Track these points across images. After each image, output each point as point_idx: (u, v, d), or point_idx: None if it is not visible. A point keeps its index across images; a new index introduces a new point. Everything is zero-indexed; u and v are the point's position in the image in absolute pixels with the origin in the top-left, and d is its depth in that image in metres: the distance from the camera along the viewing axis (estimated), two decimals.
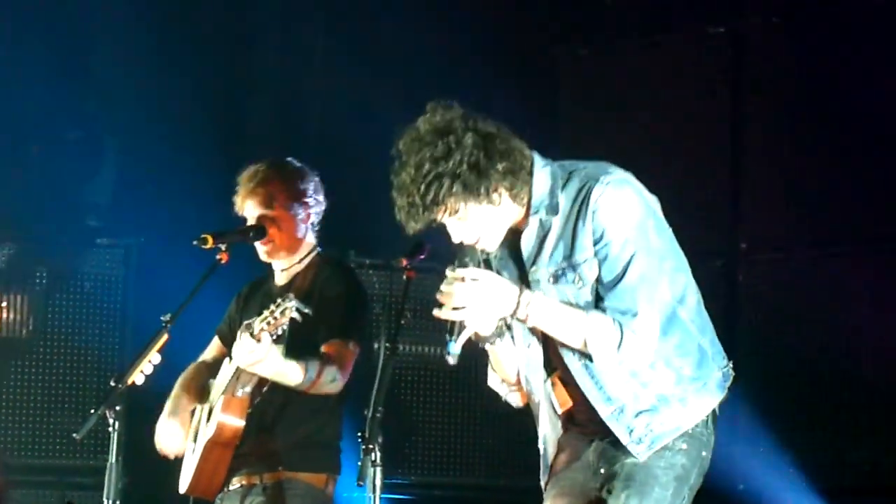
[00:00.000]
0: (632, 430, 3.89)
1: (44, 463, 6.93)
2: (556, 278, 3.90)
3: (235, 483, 5.07)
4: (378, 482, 4.12)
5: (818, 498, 6.87)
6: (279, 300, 4.71)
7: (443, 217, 3.84)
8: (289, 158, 5.30)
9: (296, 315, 4.68)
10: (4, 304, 7.23)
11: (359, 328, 5.10)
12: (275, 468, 5.01)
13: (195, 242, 4.95)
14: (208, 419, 5.08)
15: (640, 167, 4.04)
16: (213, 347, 5.38)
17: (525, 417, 4.28)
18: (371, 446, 4.10)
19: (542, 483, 4.13)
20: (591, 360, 3.87)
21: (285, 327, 4.71)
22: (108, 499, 4.63)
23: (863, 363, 6.85)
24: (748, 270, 7.30)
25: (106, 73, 7.51)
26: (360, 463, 4.11)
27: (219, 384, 5.13)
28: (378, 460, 4.12)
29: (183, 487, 5.12)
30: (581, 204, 3.86)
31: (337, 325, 5.03)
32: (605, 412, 3.91)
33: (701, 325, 3.97)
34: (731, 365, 4.03)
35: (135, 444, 4.88)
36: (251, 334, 4.73)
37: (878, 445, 6.91)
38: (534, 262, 3.94)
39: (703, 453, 3.96)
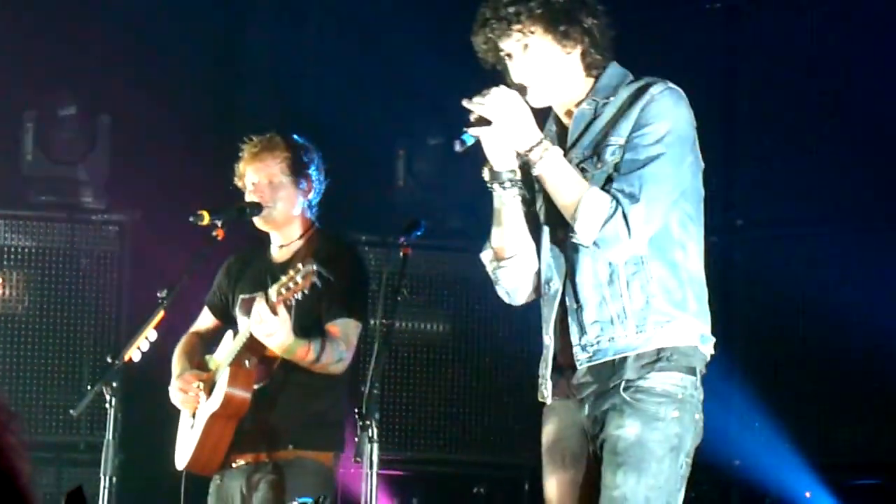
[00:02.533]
0: (583, 333, 3.86)
1: (40, 440, 6.92)
2: (581, 161, 3.88)
3: (240, 461, 5.04)
4: (374, 458, 4.14)
5: (811, 473, 6.89)
6: (299, 265, 4.70)
7: (513, 41, 3.87)
8: (293, 135, 5.29)
9: (316, 280, 4.68)
10: (0, 280, 7.22)
11: (363, 307, 5.10)
12: (284, 446, 4.99)
13: (191, 219, 4.93)
14: (208, 394, 5.06)
15: None
16: (205, 319, 5.34)
17: (521, 395, 4.28)
18: (367, 422, 4.12)
19: (542, 376, 3.99)
20: (575, 251, 3.84)
21: (306, 292, 4.70)
22: (104, 475, 4.63)
23: (857, 340, 6.86)
24: (744, 247, 7.30)
25: (100, 49, 7.47)
26: (356, 439, 4.13)
27: (219, 358, 5.11)
28: (374, 436, 4.13)
29: (180, 463, 5.11)
30: (636, 97, 3.87)
31: (343, 303, 5.02)
32: (570, 306, 3.89)
33: (690, 277, 3.91)
34: (712, 343, 3.95)
35: (131, 420, 4.88)
36: (267, 302, 4.72)
37: (870, 422, 6.94)
38: (573, 145, 3.92)
39: (696, 416, 3.89)
